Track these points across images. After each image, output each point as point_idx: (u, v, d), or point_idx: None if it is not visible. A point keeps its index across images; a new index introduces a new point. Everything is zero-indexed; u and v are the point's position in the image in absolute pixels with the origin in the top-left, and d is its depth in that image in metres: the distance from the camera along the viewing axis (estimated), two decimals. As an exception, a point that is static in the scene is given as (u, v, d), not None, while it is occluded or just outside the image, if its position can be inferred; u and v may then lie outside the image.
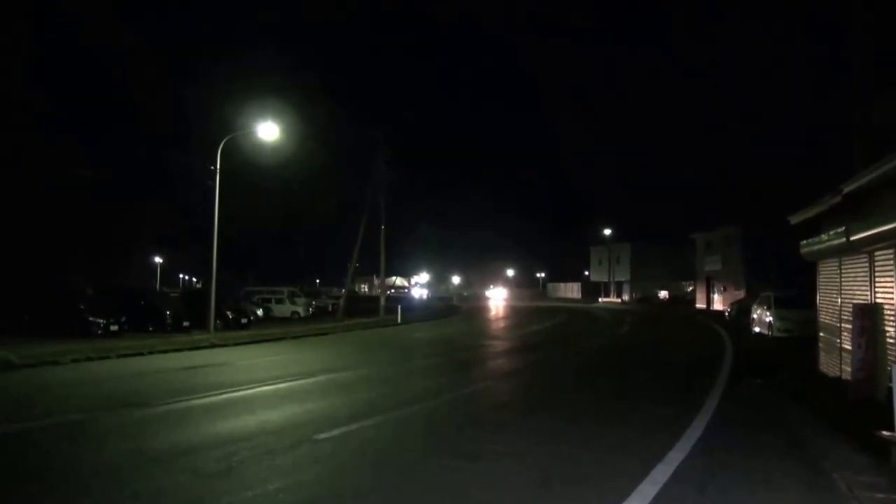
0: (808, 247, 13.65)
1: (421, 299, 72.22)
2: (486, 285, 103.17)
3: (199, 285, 77.01)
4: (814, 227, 13.62)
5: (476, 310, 54.65)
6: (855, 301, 11.01)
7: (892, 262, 9.63)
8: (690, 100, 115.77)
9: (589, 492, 6.07)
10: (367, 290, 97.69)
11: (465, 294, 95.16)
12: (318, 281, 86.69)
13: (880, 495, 5.98)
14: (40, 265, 32.07)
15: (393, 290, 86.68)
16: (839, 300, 12.36)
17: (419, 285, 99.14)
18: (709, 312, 49.50)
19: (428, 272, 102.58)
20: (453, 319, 40.91)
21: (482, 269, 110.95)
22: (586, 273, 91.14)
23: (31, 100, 33.74)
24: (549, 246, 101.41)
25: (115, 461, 7.20)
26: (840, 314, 12.24)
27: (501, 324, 37.28)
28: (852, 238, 10.45)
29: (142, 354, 18.06)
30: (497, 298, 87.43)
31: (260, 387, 12.43)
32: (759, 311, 26.12)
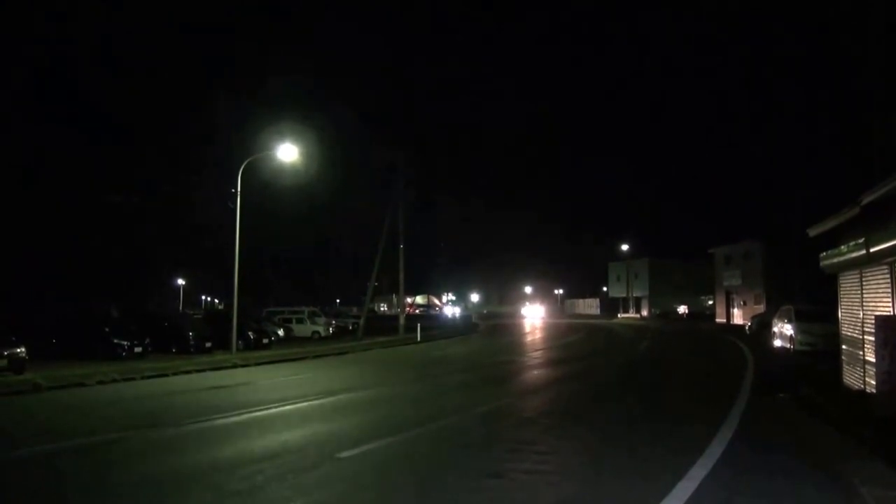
0: (827, 259, 13.56)
1: (454, 317, 71.02)
2: (514, 303, 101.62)
3: (220, 306, 77.60)
4: (833, 239, 13.54)
5: (495, 328, 54.52)
6: (877, 313, 10.92)
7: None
8: (707, 111, 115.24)
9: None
10: (386, 309, 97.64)
11: (485, 311, 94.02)
12: (337, 301, 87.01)
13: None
14: (66, 290, 32.64)
15: (419, 310, 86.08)
16: (861, 312, 12.25)
17: (451, 303, 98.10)
18: (729, 327, 49.03)
19: (447, 290, 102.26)
20: (472, 337, 40.88)
21: (501, 287, 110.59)
22: (604, 289, 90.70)
23: (57, 126, 34.61)
24: (567, 263, 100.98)
25: (140, 481, 7.33)
26: (862, 326, 12.13)
27: (519, 341, 37.14)
28: (872, 249, 10.39)
29: (166, 375, 18.29)
30: (533, 317, 78.89)
31: (282, 406, 12.55)
32: (779, 325, 25.88)
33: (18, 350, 17.40)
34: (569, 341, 34.67)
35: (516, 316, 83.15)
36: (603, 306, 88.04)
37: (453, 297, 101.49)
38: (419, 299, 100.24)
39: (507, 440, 9.33)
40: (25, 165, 33.09)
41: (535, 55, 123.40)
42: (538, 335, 42.01)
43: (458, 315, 76.47)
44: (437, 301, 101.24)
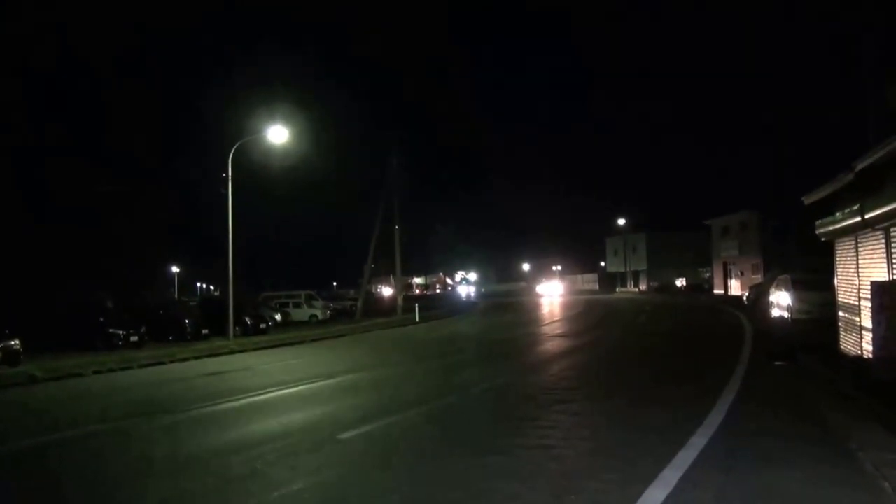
0: (823, 226, 13.52)
1: (468, 298, 69.36)
2: (513, 280, 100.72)
3: (216, 293, 77.55)
4: (829, 207, 13.49)
5: (494, 306, 54.60)
6: (873, 278, 10.91)
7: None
8: (701, 81, 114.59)
9: (613, 485, 6.00)
10: (391, 291, 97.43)
11: (483, 290, 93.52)
12: (334, 284, 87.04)
13: (907, 472, 5.91)
14: (60, 281, 32.49)
15: (427, 290, 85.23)
16: (857, 278, 12.25)
17: (465, 282, 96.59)
18: (727, 298, 49.17)
19: (453, 270, 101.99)
20: (472, 316, 40.92)
21: (498, 265, 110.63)
22: (602, 264, 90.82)
23: (45, 118, 34.30)
24: (564, 239, 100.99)
25: (142, 467, 7.33)
26: (858, 293, 12.13)
27: (517, 319, 37.17)
28: (867, 215, 10.35)
29: (163, 363, 18.28)
30: (551, 294, 74.79)
31: (281, 390, 12.55)
32: (777, 295, 25.91)
33: (13, 342, 17.28)
34: (567, 316, 34.74)
35: (521, 294, 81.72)
36: (601, 281, 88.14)
37: (467, 276, 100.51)
38: (418, 280, 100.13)
39: (507, 417, 9.33)
40: (16, 158, 32.86)
41: (538, 38, 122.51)
42: (535, 314, 42.00)
43: (472, 295, 74.88)
44: (448, 280, 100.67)
